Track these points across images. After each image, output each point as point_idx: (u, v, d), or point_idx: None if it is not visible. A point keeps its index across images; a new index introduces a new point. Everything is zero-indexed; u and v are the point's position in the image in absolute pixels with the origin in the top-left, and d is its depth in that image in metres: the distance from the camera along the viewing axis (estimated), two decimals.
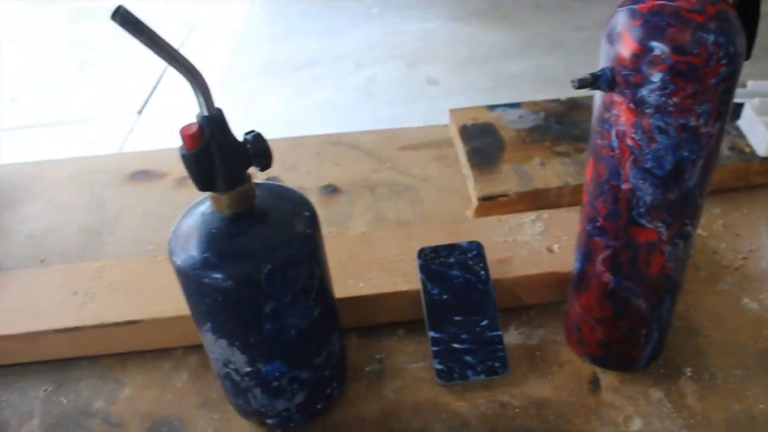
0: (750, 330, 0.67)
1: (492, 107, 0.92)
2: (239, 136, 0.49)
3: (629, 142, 0.49)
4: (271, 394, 0.55)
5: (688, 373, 0.63)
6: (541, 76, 2.79)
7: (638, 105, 0.47)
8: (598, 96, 0.51)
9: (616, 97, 0.48)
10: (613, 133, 0.50)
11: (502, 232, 0.71)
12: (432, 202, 0.84)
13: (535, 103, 0.93)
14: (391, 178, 0.88)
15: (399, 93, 2.75)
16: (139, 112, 2.76)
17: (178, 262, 0.49)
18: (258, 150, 0.48)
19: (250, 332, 0.51)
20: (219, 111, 0.47)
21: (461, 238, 0.70)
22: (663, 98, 0.46)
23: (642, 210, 0.52)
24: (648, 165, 0.49)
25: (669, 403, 0.61)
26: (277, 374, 0.54)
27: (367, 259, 0.69)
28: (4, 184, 0.97)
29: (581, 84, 0.48)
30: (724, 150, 0.84)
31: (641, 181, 0.50)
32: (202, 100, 0.45)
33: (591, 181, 0.54)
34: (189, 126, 0.46)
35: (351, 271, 0.68)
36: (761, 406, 0.60)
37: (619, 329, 0.60)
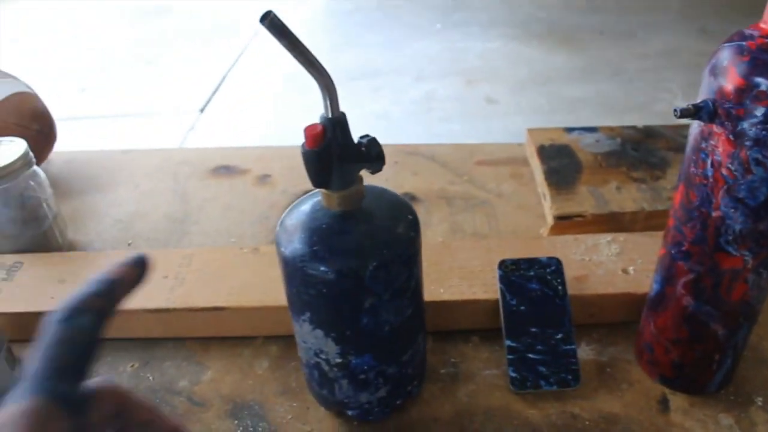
0: None
1: (569, 129, 0.95)
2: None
3: (724, 171, 0.51)
4: (357, 387, 0.58)
5: (759, 403, 0.65)
6: (600, 102, 2.79)
7: (738, 137, 0.49)
8: (695, 126, 0.53)
9: (716, 129, 0.51)
10: (709, 162, 0.52)
11: (579, 251, 0.73)
12: (507, 217, 0.87)
13: (611, 129, 0.95)
14: (467, 191, 0.91)
15: (457, 109, 2.78)
16: (202, 110, 2.84)
17: (286, 252, 0.53)
18: (372, 153, 0.51)
19: (347, 325, 0.54)
20: (342, 114, 0.50)
21: (538, 253, 0.72)
22: (764, 132, 0.48)
23: (730, 238, 0.53)
24: (741, 195, 0.51)
25: (739, 429, 0.62)
26: (365, 367, 0.57)
27: (448, 267, 0.72)
28: (94, 169, 1.02)
29: (683, 114, 0.50)
30: None
31: (732, 210, 0.52)
32: (328, 103, 0.49)
33: (680, 207, 0.56)
34: (313, 126, 0.49)
35: (432, 278, 0.70)
36: None
37: (693, 352, 0.62)
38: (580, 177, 0.85)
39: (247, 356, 0.71)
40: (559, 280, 0.68)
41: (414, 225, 0.55)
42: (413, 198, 0.90)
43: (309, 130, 0.49)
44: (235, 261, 0.76)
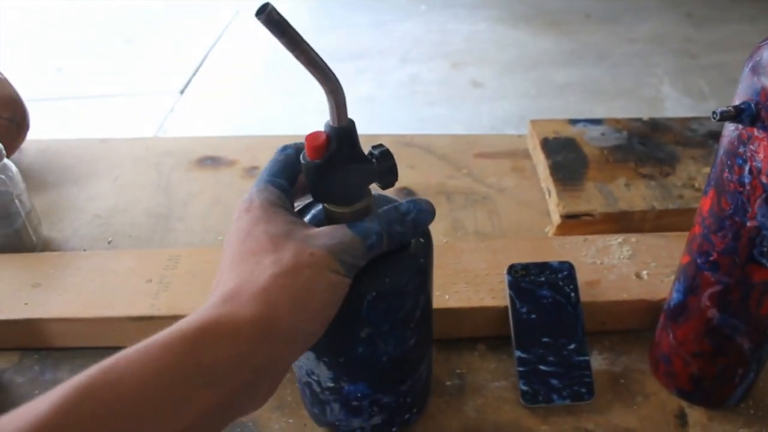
0: None
1: (573, 121, 0.90)
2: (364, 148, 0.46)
3: (764, 179, 0.47)
4: (349, 412, 0.54)
5: None
6: (587, 87, 2.76)
7: None
8: (731, 128, 0.49)
9: (757, 133, 0.46)
10: (747, 168, 0.48)
11: (590, 254, 0.70)
12: (509, 214, 0.82)
13: (617, 121, 0.91)
14: (467, 186, 0.87)
15: (442, 93, 2.73)
16: (182, 92, 2.76)
17: None
18: (384, 168, 0.45)
19: (341, 352, 0.49)
20: (351, 123, 0.44)
21: (547, 255, 0.68)
22: None
23: (765, 249, 0.50)
24: None
25: None
26: (359, 395, 0.52)
27: (453, 271, 0.68)
28: (69, 159, 0.96)
29: (723, 117, 0.46)
30: None
31: None
32: (334, 110, 0.43)
33: (709, 214, 0.53)
34: (316, 135, 0.43)
35: (437, 282, 0.66)
36: None
37: (715, 366, 0.58)
38: (587, 173, 0.81)
39: None
40: (571, 287, 0.64)
41: (425, 249, 0.49)
42: (410, 193, 0.86)
43: (311, 140, 0.43)
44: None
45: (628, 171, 0.82)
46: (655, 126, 0.90)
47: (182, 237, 0.82)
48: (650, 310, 0.65)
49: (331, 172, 0.44)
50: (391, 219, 0.45)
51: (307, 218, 0.49)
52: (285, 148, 0.49)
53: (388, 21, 3.34)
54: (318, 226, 0.46)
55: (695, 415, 0.61)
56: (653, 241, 0.71)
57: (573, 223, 0.76)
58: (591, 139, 0.87)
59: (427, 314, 0.52)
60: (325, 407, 0.54)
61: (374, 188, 0.48)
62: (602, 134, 0.88)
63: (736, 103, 0.47)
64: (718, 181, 0.51)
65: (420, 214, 0.46)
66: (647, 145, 0.86)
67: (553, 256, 0.68)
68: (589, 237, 0.72)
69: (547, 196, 0.82)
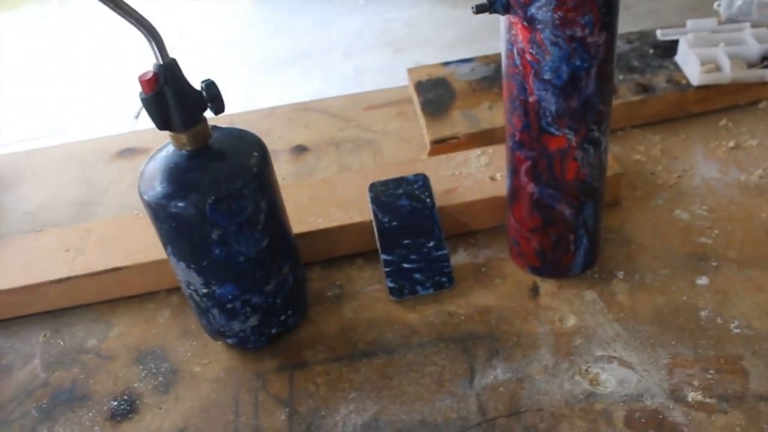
0: (679, 236, 0.74)
1: (446, 63, 0.99)
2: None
3: (528, 57, 0.55)
4: (227, 316, 0.62)
5: (620, 276, 0.70)
6: None
7: (530, 22, 0.54)
8: (502, 20, 0.57)
9: (512, 18, 0.55)
10: (515, 51, 0.56)
11: (450, 167, 0.78)
12: (392, 151, 0.91)
13: (487, 57, 0.99)
14: (355, 135, 0.95)
15: (387, 79, 2.81)
16: (136, 117, 2.84)
17: (145, 196, 0.56)
18: (211, 95, 0.55)
19: (201, 256, 0.58)
20: (173, 60, 0.54)
21: (412, 173, 0.76)
22: (549, 13, 0.52)
23: (549, 119, 0.58)
24: (547, 76, 0.56)
25: (601, 301, 0.67)
26: (230, 296, 0.61)
27: (327, 199, 0.76)
28: None
29: (479, 9, 0.55)
30: (662, 83, 0.90)
31: (544, 92, 0.56)
32: (156, 51, 0.52)
33: (506, 100, 0.61)
34: (146, 73, 0.53)
35: (312, 210, 0.74)
36: (684, 298, 0.67)
37: (549, 237, 0.66)
38: (454, 103, 0.89)
39: (151, 309, 0.74)
40: (426, 194, 0.72)
41: (260, 160, 0.58)
42: (304, 149, 0.94)
43: (142, 77, 0.53)
44: (132, 226, 0.79)
45: (492, 96, 0.90)
46: None
47: (102, 218, 0.90)
48: (502, 205, 0.73)
49: (165, 101, 0.53)
50: None
51: (159, 155, 0.58)
52: None
53: (329, 20, 3.43)
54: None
55: (546, 286, 0.69)
56: None
57: (442, 146, 0.84)
58: (461, 75, 0.95)
59: (275, 219, 0.61)
60: (208, 315, 0.62)
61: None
62: (472, 70, 0.97)
63: None
64: (505, 68, 0.59)
65: None
66: None
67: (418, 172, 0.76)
68: (451, 154, 0.80)
69: (422, 130, 0.91)
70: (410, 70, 0.99)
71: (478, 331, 0.66)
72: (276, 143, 0.96)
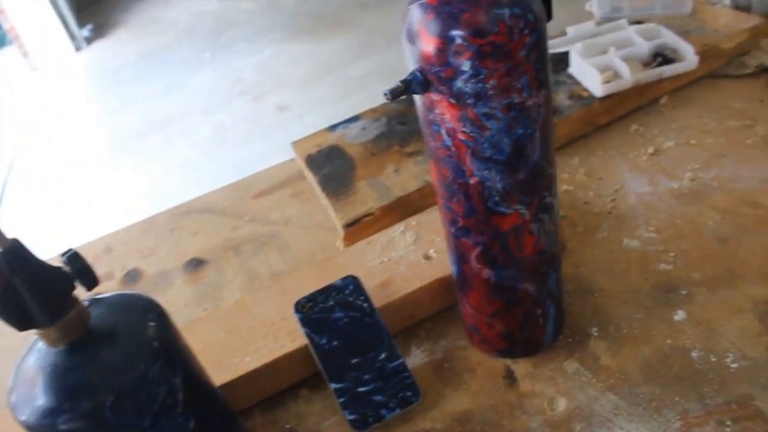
0: (638, 269, 0.67)
1: (332, 127, 0.89)
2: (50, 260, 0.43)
3: (461, 136, 0.47)
4: None
5: (595, 333, 0.62)
6: (384, 72, 2.80)
7: (458, 98, 0.45)
8: (417, 98, 0.48)
9: (435, 96, 0.46)
10: (443, 132, 0.47)
11: (375, 255, 0.68)
12: (299, 243, 0.80)
13: (374, 110, 0.91)
14: (252, 231, 0.84)
15: (251, 129, 2.70)
16: None
17: (22, 417, 0.43)
18: (77, 269, 0.43)
19: None
20: (15, 241, 0.41)
21: (336, 274, 0.66)
22: (479, 84, 0.44)
23: (497, 198, 0.49)
24: (487, 153, 0.47)
25: (585, 370, 0.60)
26: None
27: (248, 329, 0.64)
28: None
29: (394, 94, 0.45)
30: (565, 100, 0.84)
31: (486, 171, 0.48)
32: None
33: (439, 184, 0.52)
34: None
35: (234, 348, 0.63)
36: (668, 341, 0.60)
37: (515, 318, 0.58)
38: (355, 173, 0.80)
39: None
40: (362, 298, 0.62)
41: (159, 329, 0.46)
42: (200, 262, 0.81)
43: None
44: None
45: (394, 156, 0.81)
46: (412, 101, 0.90)
47: None
48: (448, 286, 0.64)
49: (17, 296, 0.41)
50: None
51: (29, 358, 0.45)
52: None
53: (178, 80, 3.26)
54: None
55: (521, 368, 0.61)
56: (433, 217, 0.71)
57: (357, 228, 0.74)
58: (352, 138, 0.86)
59: (197, 389, 0.49)
60: None
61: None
62: (363, 129, 0.87)
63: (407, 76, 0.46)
64: (431, 151, 0.50)
65: None
66: (408, 122, 0.86)
67: (340, 273, 0.65)
68: (372, 237, 0.70)
69: (328, 211, 0.80)
70: (295, 144, 0.89)
71: None
72: (166, 262, 0.83)
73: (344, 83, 2.81)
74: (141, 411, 0.44)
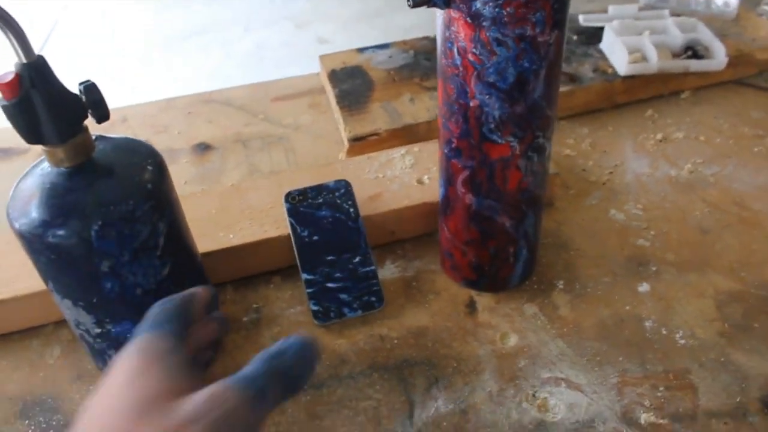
0: (617, 239, 0.70)
1: (362, 50, 0.91)
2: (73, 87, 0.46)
3: (471, 57, 0.49)
4: None
5: (561, 286, 0.65)
6: (430, 27, 2.78)
7: (475, 18, 0.47)
8: (439, 15, 0.50)
9: (454, 13, 0.48)
10: (455, 50, 0.49)
11: (372, 170, 0.71)
12: (305, 149, 0.83)
13: (405, 42, 0.92)
14: (263, 130, 0.86)
15: (290, 55, 2.70)
16: None
17: (16, 224, 0.47)
18: (92, 100, 0.46)
19: (90, 291, 0.49)
20: (40, 57, 0.44)
21: (332, 179, 0.69)
22: (497, 9, 0.46)
23: (492, 126, 0.52)
24: (491, 79, 0.49)
25: (543, 316, 0.62)
26: (128, 335, 0.52)
27: (238, 210, 0.67)
28: None
29: (416, 3, 0.47)
30: (588, 72, 0.86)
31: (487, 97, 0.50)
32: (18, 47, 0.42)
33: (443, 103, 0.54)
34: (5, 75, 0.43)
35: (221, 224, 0.66)
36: (627, 308, 0.63)
37: (487, 250, 0.60)
38: (372, 95, 0.82)
39: (36, 347, 0.64)
40: (350, 203, 0.65)
41: (155, 174, 0.49)
42: (207, 147, 0.84)
43: (0, 81, 0.43)
44: (7, 248, 0.68)
45: (413, 87, 0.83)
46: None
47: None
48: (434, 212, 0.67)
49: (32, 108, 0.44)
50: (277, 373, 0.39)
51: (34, 172, 0.48)
52: (165, 302, 0.44)
53: None
54: None
55: (483, 301, 0.64)
56: (434, 147, 0.73)
57: (361, 144, 0.77)
58: (378, 63, 0.88)
59: (176, 242, 0.52)
60: (104, 357, 0.53)
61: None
62: (390, 57, 0.89)
63: None
64: (441, 68, 0.53)
65: (302, 359, 0.40)
66: (433, 59, 0.88)
67: (336, 179, 0.68)
68: (373, 154, 0.73)
69: (339, 125, 0.83)
70: (322, 58, 0.91)
71: (414, 356, 0.59)
72: (176, 141, 0.86)
73: (389, 29, 2.81)
74: (123, 243, 0.47)
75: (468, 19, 0.47)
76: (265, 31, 2.90)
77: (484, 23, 0.47)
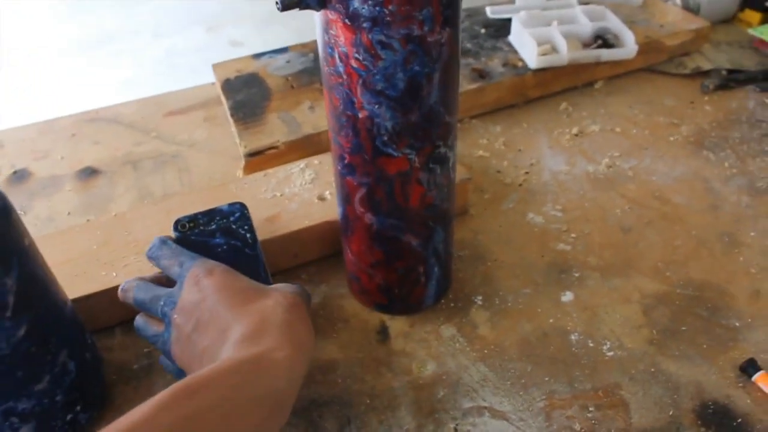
0: (537, 245, 0.66)
1: (258, 55, 0.85)
2: None
3: (354, 63, 0.43)
4: None
5: (479, 302, 0.60)
6: None
7: (354, 20, 0.41)
8: (317, 17, 0.45)
9: (331, 15, 0.42)
10: (336, 56, 0.44)
11: (270, 188, 0.65)
12: (201, 167, 0.76)
13: (303, 45, 0.87)
14: (155, 149, 0.79)
15: (202, 59, 2.59)
16: None
17: None
18: None
19: None
20: None
21: (226, 201, 0.62)
22: (377, 8, 0.41)
23: (385, 138, 0.46)
24: (379, 87, 0.44)
25: (461, 337, 0.58)
26: None
27: (122, 244, 0.60)
28: None
29: (285, 4, 0.42)
30: (498, 67, 0.82)
31: (376, 106, 0.45)
32: None
33: (330, 116, 0.49)
34: None
35: (103, 261, 0.59)
36: (551, 321, 0.59)
37: (395, 272, 0.55)
38: (269, 105, 0.76)
39: None
40: (246, 227, 0.58)
41: (4, 228, 0.42)
42: (94, 171, 0.77)
43: None
44: None
45: (313, 93, 0.78)
46: None
47: None
48: (337, 230, 0.61)
49: None
50: None
51: None
52: None
53: None
54: None
55: (396, 325, 0.59)
56: None
57: (259, 159, 0.71)
58: (275, 69, 0.82)
59: (33, 295, 0.45)
60: None
61: None
62: (288, 62, 0.83)
63: None
64: (325, 77, 0.47)
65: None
66: None
67: (232, 200, 0.62)
68: (270, 170, 0.67)
69: (235, 139, 0.77)
70: (215, 66, 0.84)
71: (324, 395, 0.54)
72: (58, 167, 0.78)
73: (304, 27, 2.74)
74: None
75: (347, 20, 0.42)
76: (175, 37, 2.78)
77: (365, 24, 0.41)
